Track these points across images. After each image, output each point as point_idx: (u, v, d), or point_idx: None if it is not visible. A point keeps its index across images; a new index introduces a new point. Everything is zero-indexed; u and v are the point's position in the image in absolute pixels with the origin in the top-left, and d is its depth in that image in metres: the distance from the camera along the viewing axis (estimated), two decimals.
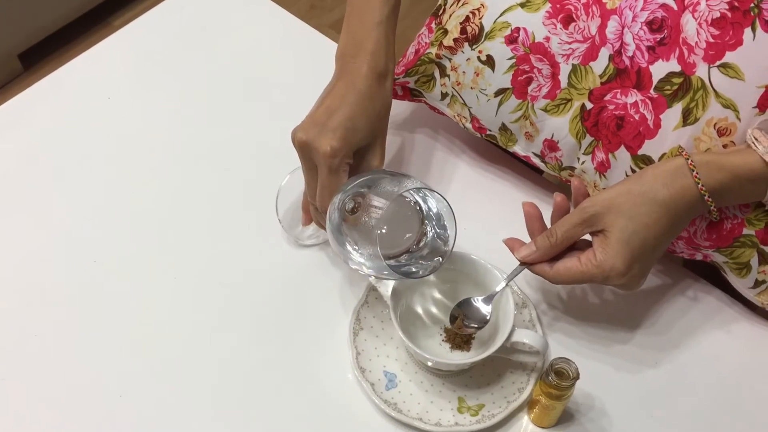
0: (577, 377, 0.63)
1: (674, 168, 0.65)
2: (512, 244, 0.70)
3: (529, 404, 0.69)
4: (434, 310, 0.75)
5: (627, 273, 0.65)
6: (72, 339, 0.74)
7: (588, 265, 0.66)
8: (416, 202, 0.70)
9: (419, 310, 0.74)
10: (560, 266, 0.67)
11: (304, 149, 0.68)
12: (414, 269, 0.68)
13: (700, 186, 0.64)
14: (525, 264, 0.69)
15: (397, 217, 0.69)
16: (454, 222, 0.67)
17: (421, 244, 0.70)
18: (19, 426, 0.69)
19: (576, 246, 0.69)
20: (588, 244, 0.68)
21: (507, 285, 0.69)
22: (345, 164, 0.68)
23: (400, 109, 0.92)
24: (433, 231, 0.70)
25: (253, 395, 0.71)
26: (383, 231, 0.67)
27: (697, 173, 0.64)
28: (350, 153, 0.69)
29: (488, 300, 0.70)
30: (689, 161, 0.64)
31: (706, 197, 0.64)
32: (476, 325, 0.69)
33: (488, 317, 0.69)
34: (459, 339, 0.73)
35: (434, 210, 0.69)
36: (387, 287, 0.70)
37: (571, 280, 0.67)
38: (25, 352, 0.73)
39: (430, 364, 0.69)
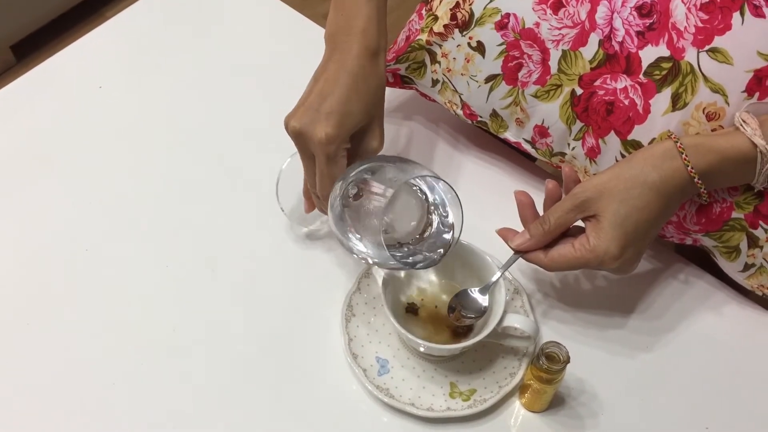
0: (568, 361, 0.63)
1: (663, 151, 0.65)
2: (505, 234, 0.70)
3: (521, 389, 0.70)
4: (427, 295, 0.75)
5: (621, 257, 0.65)
6: (64, 328, 0.74)
7: (582, 250, 0.66)
8: (422, 191, 0.69)
9: (411, 295, 0.75)
10: (554, 253, 0.68)
11: (299, 138, 0.67)
12: (418, 259, 0.68)
13: (689, 168, 0.64)
14: (519, 253, 0.69)
15: (403, 205, 0.68)
16: (461, 212, 0.66)
17: (426, 234, 0.69)
18: (11, 414, 0.69)
19: (569, 233, 0.69)
20: (581, 231, 0.68)
21: (502, 275, 0.69)
22: (342, 150, 0.67)
23: (391, 96, 0.91)
24: (438, 220, 0.69)
25: (245, 381, 0.71)
26: (386, 219, 0.65)
27: (686, 155, 0.64)
28: (347, 138, 0.68)
29: (484, 290, 0.70)
30: (678, 144, 0.64)
31: (695, 179, 0.64)
32: (473, 316, 0.69)
33: (485, 308, 0.69)
34: (459, 330, 0.72)
35: (440, 199, 0.68)
36: (381, 273, 0.70)
37: (566, 266, 0.67)
38: (18, 341, 0.73)
39: (422, 349, 0.69)
